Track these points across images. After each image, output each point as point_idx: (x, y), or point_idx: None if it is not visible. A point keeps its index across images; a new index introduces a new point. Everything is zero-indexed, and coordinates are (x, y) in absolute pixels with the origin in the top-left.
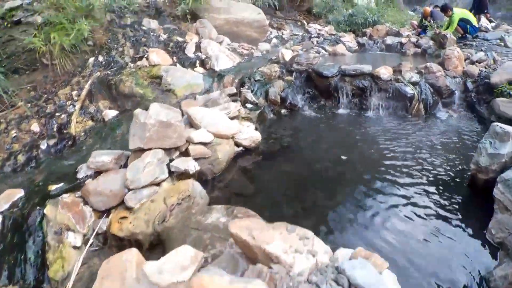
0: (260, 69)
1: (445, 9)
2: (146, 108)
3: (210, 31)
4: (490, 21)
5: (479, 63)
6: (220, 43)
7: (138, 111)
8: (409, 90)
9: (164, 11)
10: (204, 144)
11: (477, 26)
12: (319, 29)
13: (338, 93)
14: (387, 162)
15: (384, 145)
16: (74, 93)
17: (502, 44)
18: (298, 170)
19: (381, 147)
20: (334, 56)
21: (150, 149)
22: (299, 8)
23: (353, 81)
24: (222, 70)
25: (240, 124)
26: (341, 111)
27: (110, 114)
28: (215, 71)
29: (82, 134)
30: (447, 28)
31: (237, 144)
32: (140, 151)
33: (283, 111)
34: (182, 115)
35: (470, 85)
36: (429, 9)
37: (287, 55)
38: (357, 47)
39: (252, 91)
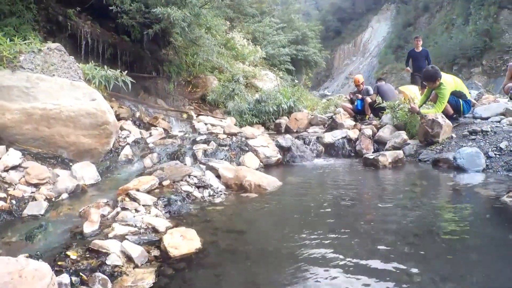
0: None
1: (432, 76)
2: None
3: None
4: None
5: None
6: None
7: None
8: None
9: None
10: None
11: (470, 99)
12: (212, 124)
13: None
14: None
15: None
16: None
17: None
18: None
19: None
20: (238, 198)
21: None
22: (191, 95)
23: None
24: None
25: None
26: None
27: None
28: None
29: None
30: (423, 102)
31: None
32: None
33: None
34: None
35: None
36: (360, 78)
37: None
38: (278, 156)
39: None
